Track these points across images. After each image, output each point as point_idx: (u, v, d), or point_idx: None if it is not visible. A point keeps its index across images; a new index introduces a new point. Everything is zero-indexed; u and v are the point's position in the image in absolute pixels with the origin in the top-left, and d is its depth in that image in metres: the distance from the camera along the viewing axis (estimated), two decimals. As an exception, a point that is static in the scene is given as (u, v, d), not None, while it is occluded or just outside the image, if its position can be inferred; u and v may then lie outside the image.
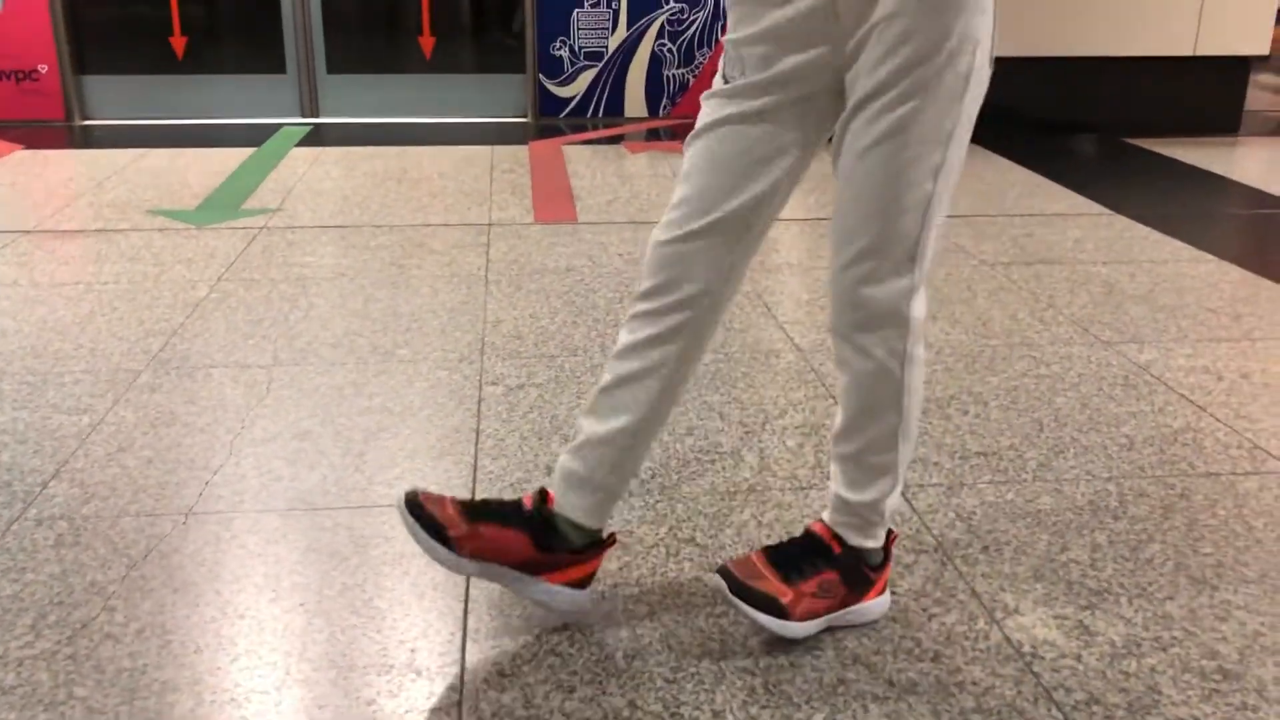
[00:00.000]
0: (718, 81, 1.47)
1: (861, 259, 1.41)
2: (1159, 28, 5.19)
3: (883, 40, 1.32)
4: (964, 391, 2.38)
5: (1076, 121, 5.32)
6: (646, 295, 1.49)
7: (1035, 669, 1.49)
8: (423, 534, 1.49)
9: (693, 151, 1.47)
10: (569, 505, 1.54)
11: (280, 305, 2.89)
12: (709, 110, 1.46)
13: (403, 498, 1.51)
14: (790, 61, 1.39)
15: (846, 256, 1.43)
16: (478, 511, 1.53)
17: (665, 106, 5.58)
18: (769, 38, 1.39)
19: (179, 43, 5.48)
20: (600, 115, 5.60)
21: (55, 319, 2.78)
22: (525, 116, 5.71)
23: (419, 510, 1.49)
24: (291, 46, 5.54)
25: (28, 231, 3.54)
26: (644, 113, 5.56)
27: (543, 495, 1.56)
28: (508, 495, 1.94)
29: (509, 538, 1.51)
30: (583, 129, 5.42)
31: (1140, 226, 3.69)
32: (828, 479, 1.62)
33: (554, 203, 4.02)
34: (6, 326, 2.71)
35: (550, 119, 5.65)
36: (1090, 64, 5.21)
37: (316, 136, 5.20)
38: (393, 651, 1.52)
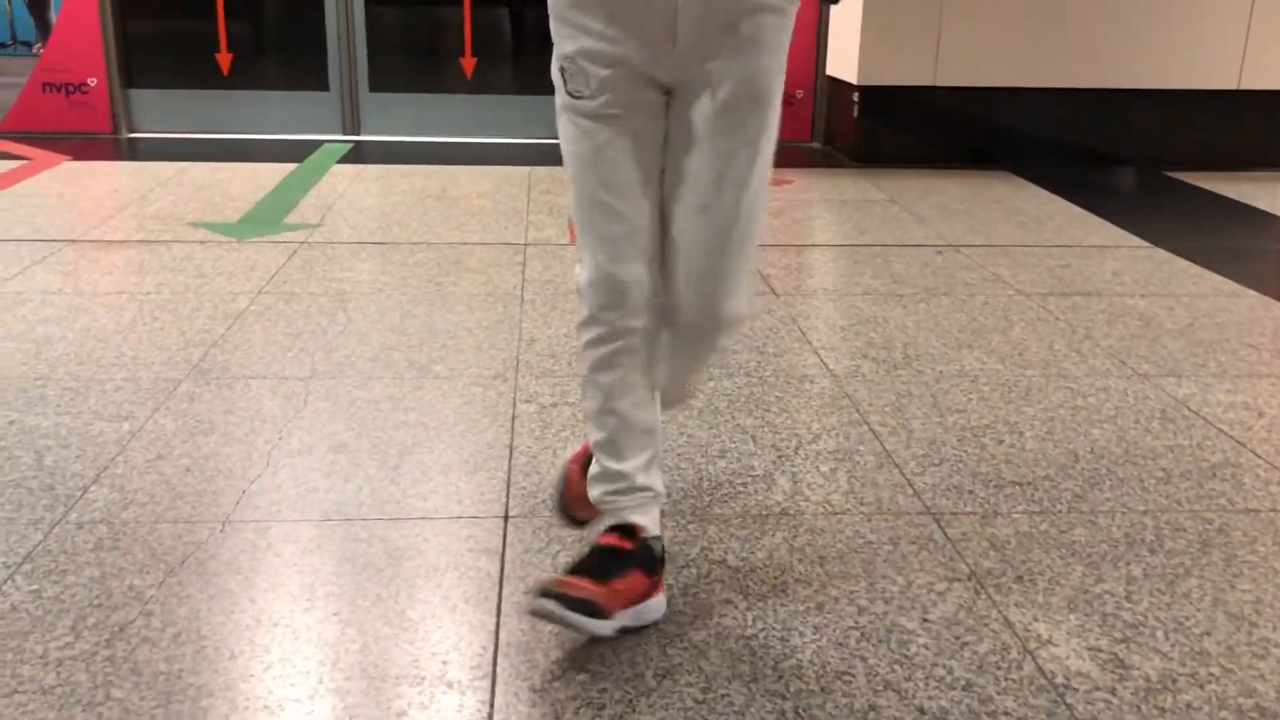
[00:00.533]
0: (566, 99, 1.54)
1: None
2: (1203, 61, 5.16)
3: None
4: (999, 421, 2.37)
5: (1118, 154, 5.29)
6: None
7: (1068, 700, 1.48)
8: (575, 616, 1.48)
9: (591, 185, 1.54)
10: (655, 524, 1.64)
11: (319, 319, 2.92)
12: (581, 120, 1.53)
13: (535, 597, 1.49)
14: (629, 75, 1.50)
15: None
16: (598, 570, 1.55)
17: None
18: (616, 60, 1.49)
19: (225, 59, 5.57)
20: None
21: (98, 327, 2.82)
22: (563, 138, 5.73)
23: (559, 596, 1.48)
24: (335, 64, 5.61)
25: (73, 241, 3.61)
26: (681, 137, 5.57)
27: (631, 529, 1.61)
28: (540, 511, 1.95)
29: (635, 580, 1.58)
30: (620, 151, 5.44)
31: (1180, 260, 3.66)
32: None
33: (591, 224, 4.03)
34: (51, 334, 2.76)
35: (588, 141, 5.67)
36: (1133, 96, 5.18)
37: (358, 153, 5.26)
38: (424, 663, 1.53)
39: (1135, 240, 3.92)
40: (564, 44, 1.53)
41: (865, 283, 3.36)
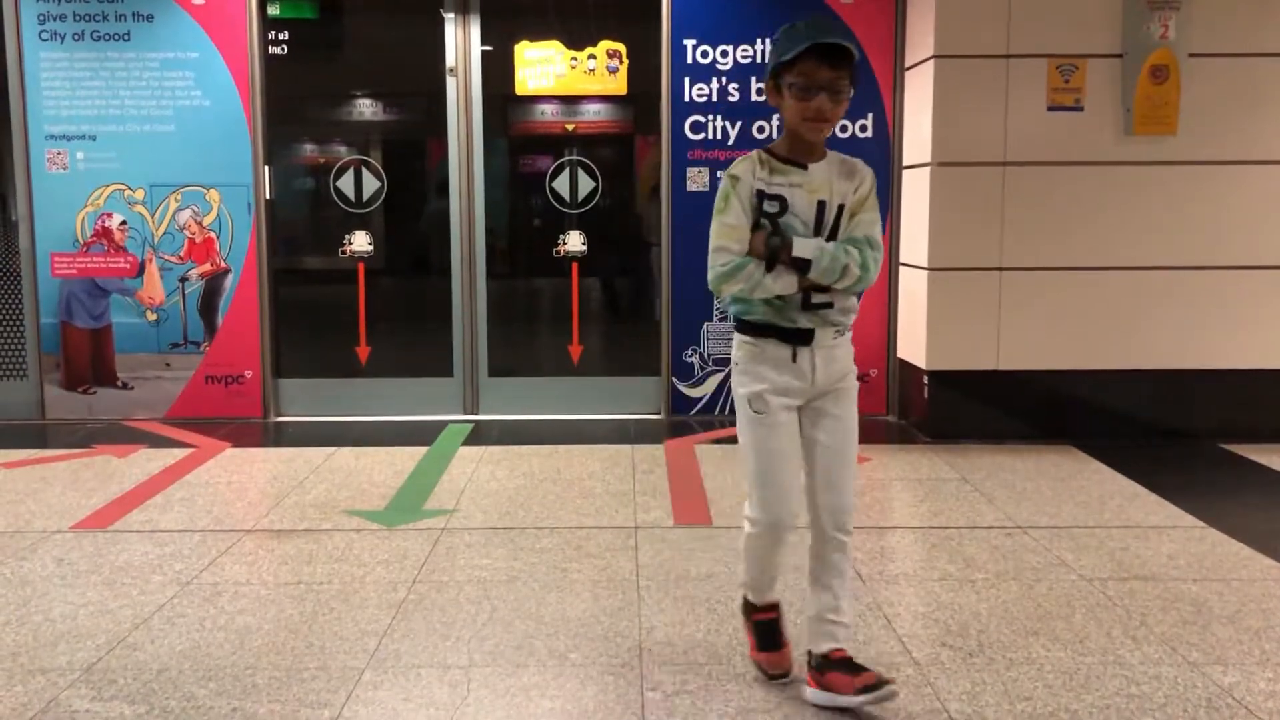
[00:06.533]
0: (750, 414, 2.72)
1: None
2: (1255, 340, 5.65)
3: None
4: (1061, 709, 2.73)
5: (1174, 428, 5.69)
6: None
7: None
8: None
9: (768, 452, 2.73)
10: None
11: (468, 608, 3.41)
12: (762, 425, 2.71)
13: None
14: (791, 402, 2.70)
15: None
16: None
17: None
18: (781, 391, 2.68)
19: (363, 351, 6.36)
20: (726, 413, 6.22)
21: (286, 617, 3.34)
22: (659, 413, 6.36)
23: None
24: (459, 353, 6.37)
25: (249, 530, 4.19)
26: (767, 412, 6.17)
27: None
28: (674, 794, 2.35)
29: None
30: (710, 425, 6.04)
31: (1232, 541, 4.01)
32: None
33: (690, 505, 4.54)
34: (250, 624, 3.28)
35: (681, 416, 6.29)
36: (1181, 374, 5.66)
37: (477, 433, 5.90)
38: None
39: (1190, 520, 4.29)
40: (752, 385, 2.70)
41: (941, 567, 3.77)
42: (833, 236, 2.66)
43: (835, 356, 2.70)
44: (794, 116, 2.62)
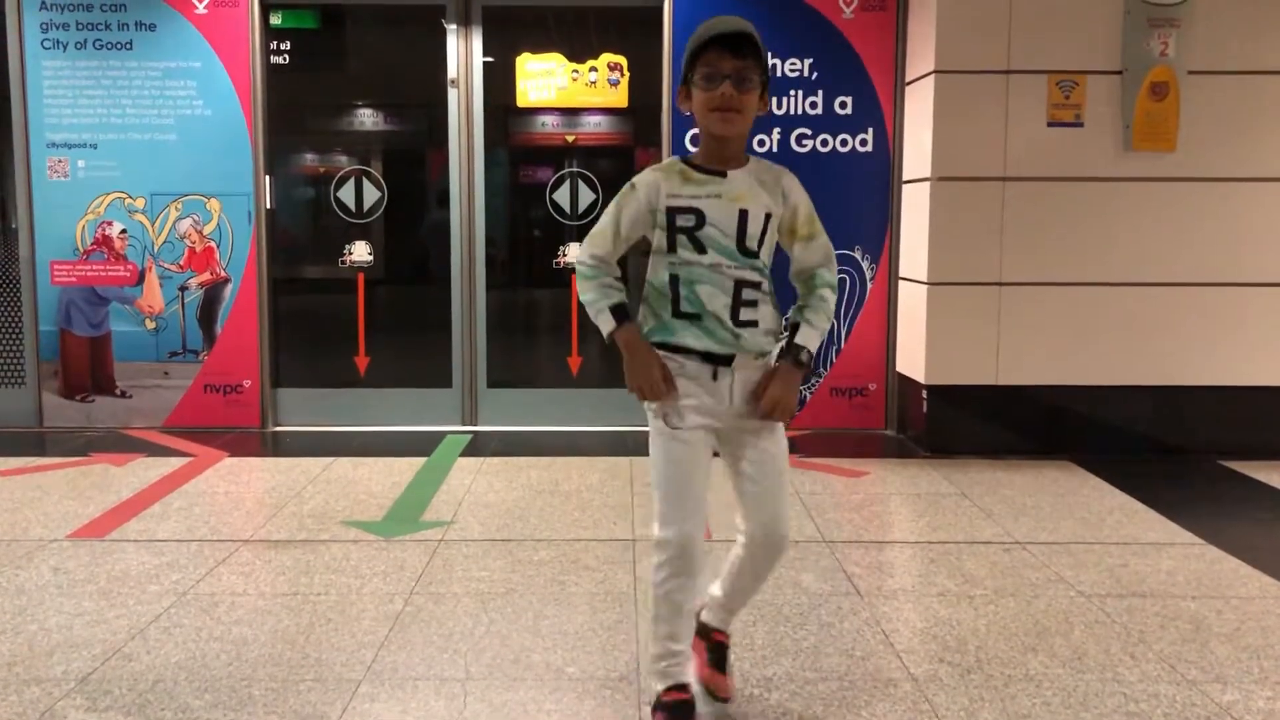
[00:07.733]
0: (664, 428, 2.62)
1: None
2: (1250, 357, 5.65)
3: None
4: (1061, 727, 2.73)
5: (1172, 443, 5.69)
6: None
7: None
8: None
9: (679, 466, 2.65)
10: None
11: (465, 620, 3.40)
12: (676, 440, 2.62)
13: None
14: (709, 422, 2.62)
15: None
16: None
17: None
18: (699, 410, 2.61)
19: (362, 361, 6.36)
20: (726, 427, 6.22)
21: (283, 629, 3.33)
22: (658, 426, 6.35)
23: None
24: (458, 364, 6.36)
25: (246, 540, 4.18)
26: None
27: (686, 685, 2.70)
28: (671, 810, 2.34)
29: None
30: (710, 439, 6.02)
31: (1231, 559, 4.01)
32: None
33: (689, 519, 4.52)
34: (247, 635, 3.27)
35: (680, 428, 6.28)
36: (1179, 390, 5.66)
37: (475, 444, 5.89)
38: None
39: (1189, 536, 4.28)
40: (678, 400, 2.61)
41: (940, 583, 3.76)
42: (761, 244, 2.56)
43: (755, 382, 2.63)
44: (702, 110, 2.51)
